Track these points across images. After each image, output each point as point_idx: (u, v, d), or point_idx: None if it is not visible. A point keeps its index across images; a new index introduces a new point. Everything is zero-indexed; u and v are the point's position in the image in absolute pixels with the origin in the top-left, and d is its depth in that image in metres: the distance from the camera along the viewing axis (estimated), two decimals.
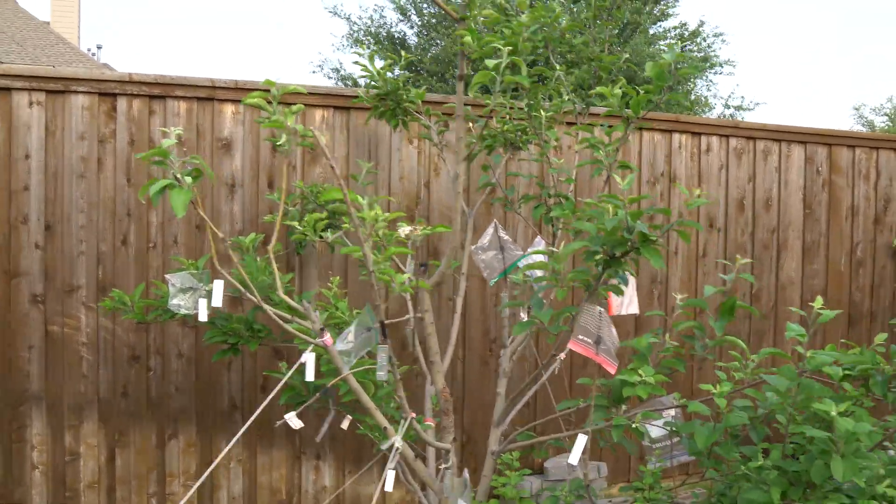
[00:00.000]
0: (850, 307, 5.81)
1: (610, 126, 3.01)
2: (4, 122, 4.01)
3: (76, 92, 4.09)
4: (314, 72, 21.49)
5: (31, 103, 4.04)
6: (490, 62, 2.56)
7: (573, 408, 2.77)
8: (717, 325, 2.49)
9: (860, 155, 5.82)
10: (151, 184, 2.41)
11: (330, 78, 17.65)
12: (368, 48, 17.79)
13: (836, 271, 5.78)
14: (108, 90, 4.13)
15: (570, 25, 3.02)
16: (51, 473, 4.17)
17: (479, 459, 4.79)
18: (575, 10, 11.77)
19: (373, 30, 17.15)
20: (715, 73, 16.46)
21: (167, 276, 3.18)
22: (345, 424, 3.51)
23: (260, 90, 4.21)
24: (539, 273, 2.47)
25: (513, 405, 3.02)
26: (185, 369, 4.34)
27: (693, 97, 16.12)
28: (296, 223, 2.55)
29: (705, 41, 16.18)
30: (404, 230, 2.02)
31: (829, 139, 5.73)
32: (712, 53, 16.07)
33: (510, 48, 2.75)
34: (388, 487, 2.95)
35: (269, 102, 2.73)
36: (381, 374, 2.27)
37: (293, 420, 2.32)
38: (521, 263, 2.77)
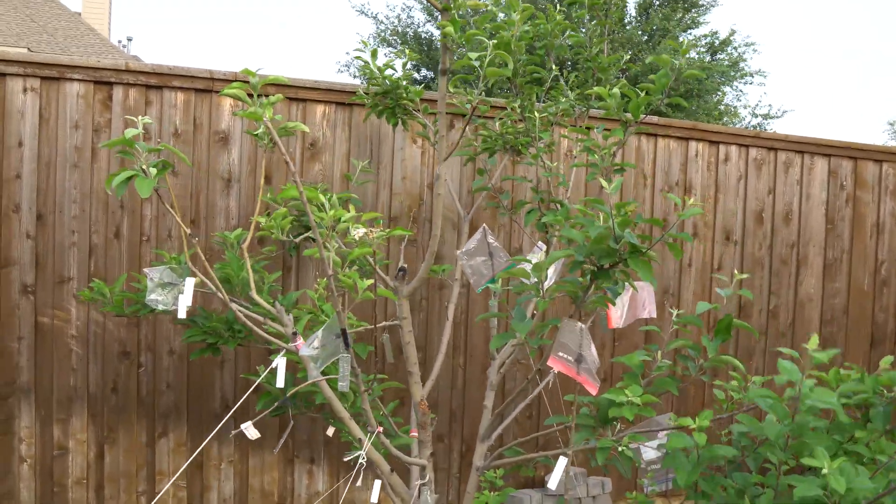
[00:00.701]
0: (874, 328, 5.58)
1: (607, 129, 2.85)
2: None
3: (71, 79, 4.01)
4: (340, 71, 21.48)
5: (25, 90, 3.96)
6: (472, 53, 2.42)
7: (562, 424, 2.62)
8: (711, 345, 2.33)
9: (887, 170, 5.59)
10: (116, 175, 2.30)
11: (355, 77, 17.61)
12: (396, 48, 17.71)
13: (859, 290, 5.56)
14: (104, 78, 4.05)
15: (561, 23, 2.86)
16: (38, 467, 4.10)
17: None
18: (567, 10, 11.57)
19: (400, 29, 17.07)
20: (745, 82, 16.14)
21: (146, 270, 3.08)
22: (330, 431, 3.39)
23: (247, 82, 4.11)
24: (523, 282, 2.33)
25: (500, 419, 2.87)
26: (176, 367, 4.24)
27: (722, 107, 15.82)
28: (262, 220, 2.42)
29: (736, 50, 15.87)
30: (359, 232, 1.89)
31: (855, 153, 5.50)
32: (743, 63, 15.76)
33: (501, 48, 2.61)
34: (374, 499, 2.83)
35: (251, 95, 2.61)
36: (343, 385, 2.14)
37: (250, 430, 2.20)
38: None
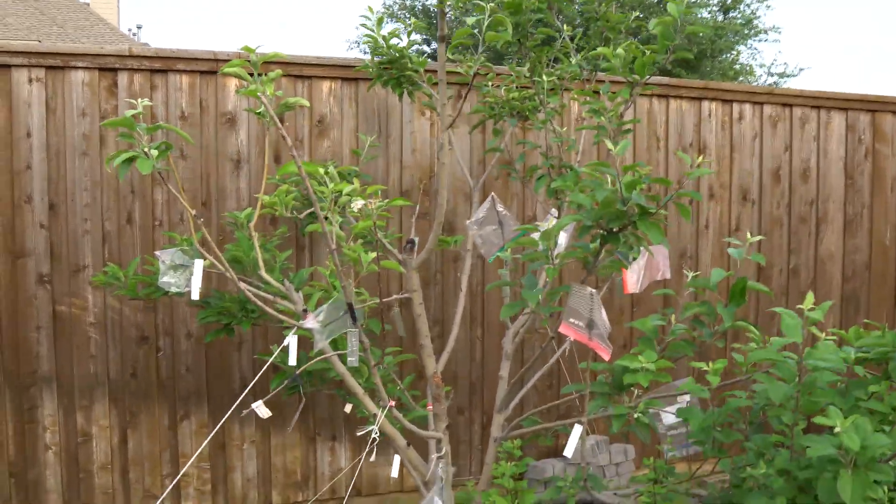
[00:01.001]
0: None
1: (614, 92, 2.79)
2: (5, 101, 3.93)
3: (76, 67, 4.00)
4: (350, 48, 21.37)
5: (30, 80, 3.95)
6: (470, 19, 2.37)
7: (579, 392, 2.59)
8: (726, 311, 2.28)
9: None
10: (116, 155, 2.29)
11: (365, 54, 17.52)
12: (406, 23, 17.61)
13: (881, 245, 5.47)
14: (108, 65, 4.03)
15: None
16: (63, 454, 4.14)
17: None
18: None
19: (408, 3, 16.93)
20: (759, 40, 15.87)
21: (157, 253, 3.08)
22: (348, 408, 3.39)
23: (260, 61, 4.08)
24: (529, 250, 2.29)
25: (519, 389, 2.85)
26: (194, 350, 4.26)
27: (738, 66, 15.57)
28: (265, 198, 2.40)
29: (748, 7, 15.59)
30: (357, 204, 1.87)
31: (873, 105, 5.39)
32: (756, 19, 15.47)
33: (511, 9, 2.56)
34: (394, 473, 2.83)
35: (252, 73, 2.58)
36: (352, 360, 2.13)
37: (261, 409, 2.20)
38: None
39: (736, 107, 5.11)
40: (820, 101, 5.26)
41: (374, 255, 1.98)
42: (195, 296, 3.07)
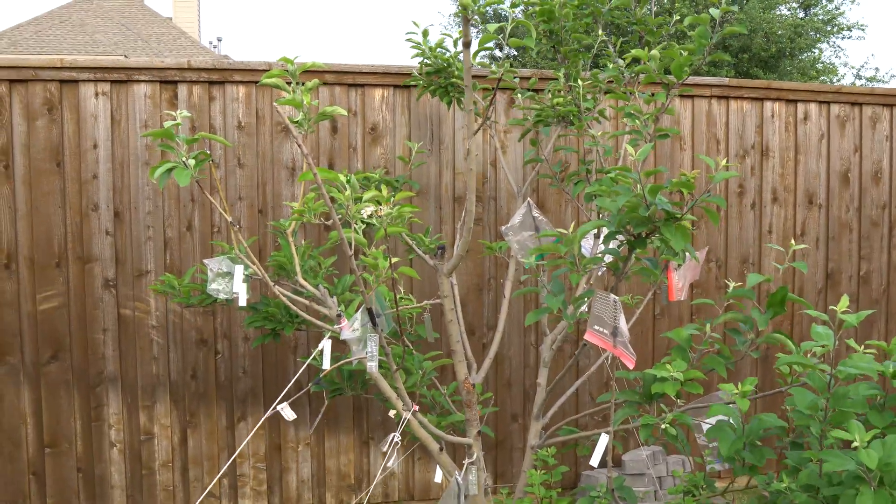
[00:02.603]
0: None
1: (652, 94, 2.74)
2: (73, 114, 4.12)
3: (138, 81, 4.17)
4: (416, 57, 21.50)
5: (96, 94, 4.13)
6: (492, 26, 2.37)
7: (609, 401, 2.55)
8: (762, 319, 2.21)
9: None
10: (159, 167, 2.37)
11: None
12: (477, 28, 17.62)
13: None
14: (169, 78, 4.18)
15: None
16: (128, 452, 4.30)
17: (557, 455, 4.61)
18: None
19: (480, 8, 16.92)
20: (842, 37, 15.25)
21: (206, 261, 3.17)
22: (392, 413, 3.42)
23: (309, 72, 4.16)
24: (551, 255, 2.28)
25: (556, 397, 2.82)
26: (251, 353, 4.37)
27: (820, 66, 15.02)
28: (295, 205, 2.45)
29: (832, 2, 15.01)
30: (367, 210, 1.88)
31: None
32: (838, 14, 14.88)
33: (544, 17, 2.54)
34: (437, 479, 2.84)
35: (290, 83, 2.64)
36: (371, 366, 2.15)
37: (286, 411, 2.24)
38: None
39: (801, 107, 4.94)
40: (891, 100, 5.03)
41: (396, 260, 2.00)
42: (242, 302, 3.16)
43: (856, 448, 1.70)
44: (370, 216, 1.88)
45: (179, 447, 4.35)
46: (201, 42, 21.38)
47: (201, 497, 4.35)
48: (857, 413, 1.92)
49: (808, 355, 2.22)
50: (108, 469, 4.28)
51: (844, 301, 1.90)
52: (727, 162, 2.32)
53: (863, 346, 2.14)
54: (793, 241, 2.54)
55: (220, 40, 26.73)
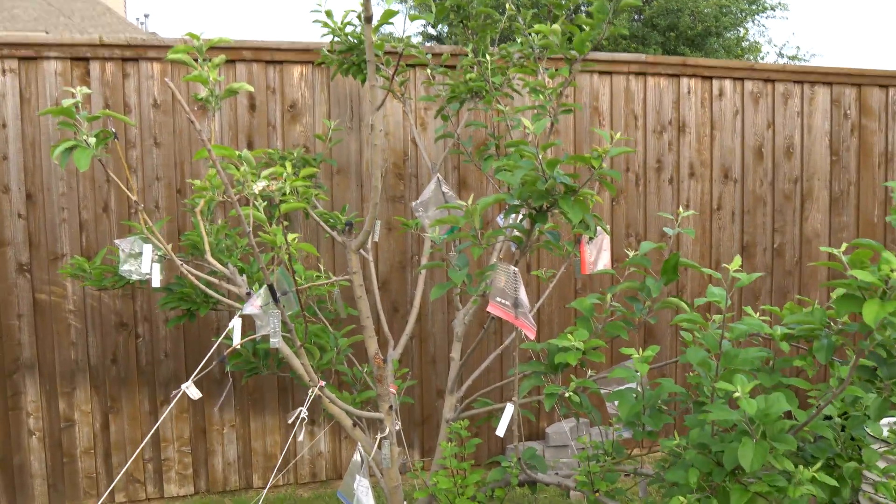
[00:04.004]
0: None
1: (556, 69, 2.78)
2: None
3: (48, 58, 4.04)
4: (325, 35, 21.35)
5: (3, 71, 4.00)
6: (393, 1, 2.38)
7: (521, 374, 2.60)
8: (655, 286, 2.28)
9: (894, 95, 5.40)
10: (58, 145, 2.32)
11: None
12: (406, 3, 17.51)
13: (869, 223, 5.41)
14: (81, 55, 4.07)
15: None
16: (47, 439, 4.22)
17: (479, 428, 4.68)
18: None
19: None
20: (766, 16, 15.61)
21: (116, 242, 3.12)
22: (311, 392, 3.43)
23: (222, 48, 4.10)
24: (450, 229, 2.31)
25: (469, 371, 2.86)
26: (173, 335, 4.32)
27: (746, 43, 15.35)
28: (196, 182, 2.43)
29: None
30: (259, 185, 1.88)
31: (858, 79, 5.31)
32: None
33: None
34: (356, 457, 2.86)
35: (196, 59, 2.60)
36: (274, 342, 2.15)
37: (191, 390, 2.23)
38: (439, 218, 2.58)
39: (716, 83, 5.06)
40: (803, 76, 5.19)
41: (295, 235, 2.00)
42: (156, 283, 3.12)
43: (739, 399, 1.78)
44: (262, 191, 1.88)
45: (101, 433, 4.29)
46: (128, 18, 20.81)
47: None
48: (746, 372, 2.00)
49: (710, 321, 2.31)
50: (27, 458, 4.19)
51: (737, 261, 1.97)
52: (619, 135, 2.37)
53: (759, 312, 2.22)
54: (681, 209, 2.62)
55: (147, 17, 26.07)
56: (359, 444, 2.53)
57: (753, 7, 15.03)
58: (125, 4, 21.44)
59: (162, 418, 4.21)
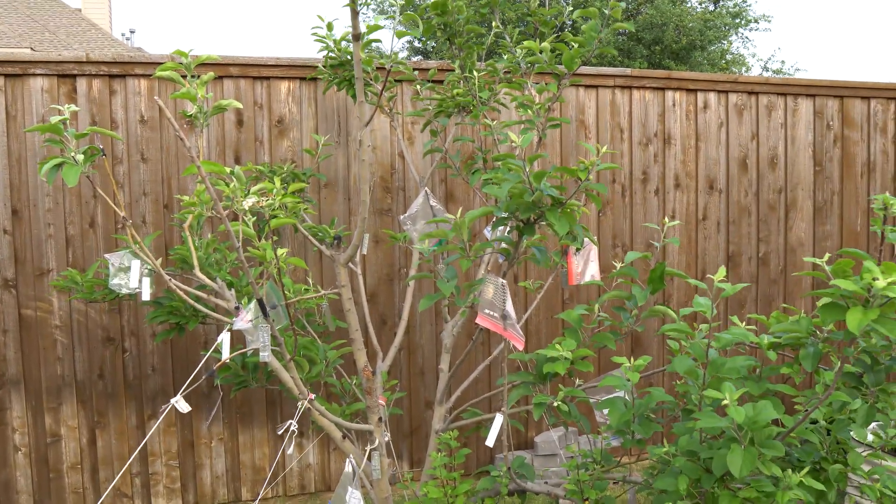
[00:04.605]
0: None
1: (546, 83, 2.81)
2: None
3: (34, 74, 4.05)
4: (322, 51, 21.46)
5: None
6: (382, 17, 2.40)
7: (510, 383, 2.62)
8: (641, 294, 2.30)
9: (876, 107, 5.47)
10: (46, 162, 2.32)
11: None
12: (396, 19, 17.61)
13: (852, 232, 5.47)
14: (67, 71, 4.07)
15: None
16: (34, 455, 4.19)
17: (469, 438, 4.68)
18: None
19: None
20: (750, 29, 15.78)
21: (107, 256, 3.12)
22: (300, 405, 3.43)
23: (210, 64, 4.12)
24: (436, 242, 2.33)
25: (458, 382, 2.87)
26: (160, 350, 4.31)
27: (730, 56, 15.51)
28: (185, 198, 2.44)
29: None
30: (248, 201, 1.89)
31: (841, 91, 5.39)
32: (746, 6, 15.38)
33: (437, 10, 2.58)
34: (347, 468, 2.86)
35: (185, 76, 2.62)
36: (264, 355, 2.16)
37: (180, 404, 2.23)
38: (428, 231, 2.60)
39: (700, 96, 5.12)
40: (786, 89, 5.26)
41: (284, 250, 2.01)
42: (146, 297, 3.11)
43: (727, 406, 1.80)
44: (251, 207, 1.89)
45: (88, 448, 4.26)
46: (113, 34, 20.76)
47: (104, 496, 4.27)
48: (733, 380, 2.02)
49: (697, 330, 2.33)
50: (13, 474, 4.16)
51: (721, 272, 2.00)
52: (606, 149, 2.40)
53: (744, 322, 2.25)
54: (666, 219, 2.65)
55: (132, 32, 25.99)
56: (350, 455, 2.53)
57: (737, 21, 15.21)
58: (111, 20, 21.39)
59: (150, 433, 4.20)
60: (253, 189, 1.95)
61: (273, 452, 4.50)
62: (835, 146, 5.41)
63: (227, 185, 1.92)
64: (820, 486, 1.89)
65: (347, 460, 2.36)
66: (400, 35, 2.50)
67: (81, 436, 4.25)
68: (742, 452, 1.78)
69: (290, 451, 2.43)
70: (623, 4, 2.65)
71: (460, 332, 4.58)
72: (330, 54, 3.70)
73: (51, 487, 4.21)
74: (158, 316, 3.20)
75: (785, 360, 2.27)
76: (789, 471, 1.89)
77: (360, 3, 2.33)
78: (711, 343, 2.03)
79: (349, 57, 3.65)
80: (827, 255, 1.99)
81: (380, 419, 2.57)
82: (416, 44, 16.94)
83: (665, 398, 2.25)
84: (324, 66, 3.79)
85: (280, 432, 2.27)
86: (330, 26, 3.58)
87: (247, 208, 1.86)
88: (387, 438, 2.71)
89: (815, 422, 2.37)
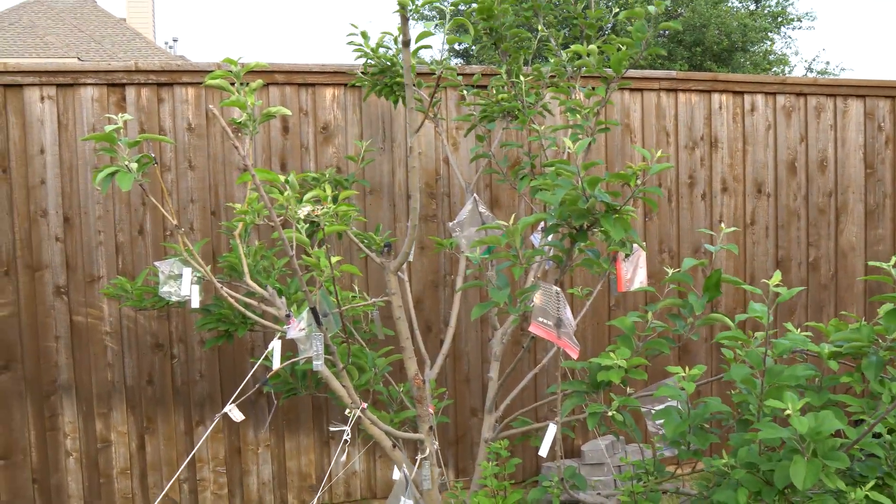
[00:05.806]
0: None
1: (593, 88, 2.78)
2: (18, 119, 4.06)
3: (85, 84, 4.11)
4: (359, 58, 21.66)
5: (42, 98, 4.08)
6: (430, 23, 2.39)
7: (563, 392, 2.58)
8: (698, 303, 2.26)
9: None
10: (100, 171, 2.35)
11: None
12: (434, 23, 17.63)
13: None
14: (116, 80, 4.14)
15: None
16: (84, 460, 4.25)
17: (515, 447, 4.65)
18: None
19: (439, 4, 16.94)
20: (792, 27, 15.51)
21: (157, 264, 3.15)
22: (347, 412, 3.43)
23: (257, 72, 4.15)
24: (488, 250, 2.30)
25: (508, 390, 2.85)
26: (208, 356, 4.35)
27: (773, 57, 15.26)
28: (237, 206, 2.45)
29: None
30: (303, 210, 1.89)
31: (892, 91, 5.26)
32: (788, 4, 15.12)
33: (483, 14, 2.56)
34: (395, 476, 2.86)
35: (233, 83, 2.63)
36: (317, 364, 2.16)
37: (234, 412, 2.24)
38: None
39: (748, 98, 5.03)
40: (835, 89, 5.15)
41: (337, 258, 2.01)
42: (195, 304, 3.14)
43: (789, 416, 1.75)
44: (307, 216, 1.89)
45: (137, 454, 4.31)
46: (156, 43, 21.12)
47: (156, 502, 4.32)
48: (792, 388, 1.97)
49: (752, 338, 2.28)
50: (64, 479, 4.23)
51: (777, 276, 1.95)
52: (660, 153, 2.36)
53: (799, 329, 2.20)
54: (722, 225, 2.60)
55: (175, 41, 26.43)
56: (402, 465, 2.52)
57: (779, 20, 14.96)
58: (154, 29, 21.79)
59: (202, 440, 4.23)
60: (306, 197, 1.95)
61: (319, 459, 4.51)
62: (886, 148, 5.28)
63: (282, 192, 1.92)
64: (888, 502, 1.84)
65: (397, 469, 2.35)
66: (452, 41, 2.48)
67: (131, 441, 4.30)
68: (806, 464, 1.74)
69: (342, 458, 2.42)
70: (667, 1, 2.60)
71: (508, 340, 4.56)
72: (369, 61, 3.70)
73: (101, 492, 4.27)
74: (208, 323, 3.23)
75: (844, 369, 2.21)
76: (849, 485, 1.84)
77: (409, 9, 2.32)
78: (768, 351, 1.98)
79: (388, 63, 3.65)
80: (893, 259, 1.93)
81: (430, 428, 2.56)
82: (457, 46, 16.98)
83: (721, 408, 2.20)
84: (363, 73, 3.80)
85: (332, 436, 2.26)
86: (364, 35, 3.58)
87: (302, 217, 1.86)
88: (435, 447, 2.69)
89: (877, 435, 2.30)
